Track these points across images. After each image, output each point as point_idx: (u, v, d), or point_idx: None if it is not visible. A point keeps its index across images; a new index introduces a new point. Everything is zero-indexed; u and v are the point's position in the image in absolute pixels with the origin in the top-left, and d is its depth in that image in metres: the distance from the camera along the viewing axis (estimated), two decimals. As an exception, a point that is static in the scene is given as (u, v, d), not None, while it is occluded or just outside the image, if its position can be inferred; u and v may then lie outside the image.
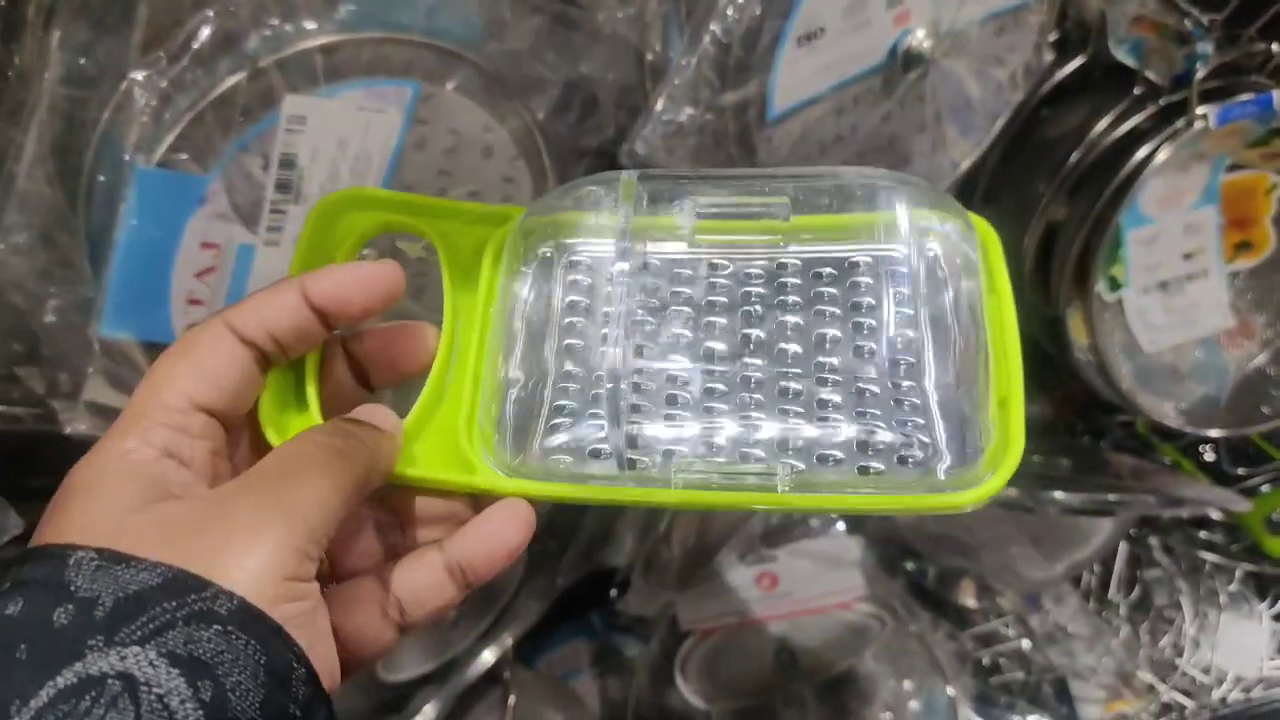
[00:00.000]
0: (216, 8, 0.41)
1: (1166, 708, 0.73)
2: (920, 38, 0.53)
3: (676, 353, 0.34)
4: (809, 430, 0.32)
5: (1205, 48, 0.58)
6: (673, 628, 0.72)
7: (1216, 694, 0.73)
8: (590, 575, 0.73)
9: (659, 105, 0.49)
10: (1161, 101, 0.59)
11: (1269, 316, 0.69)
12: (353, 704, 0.66)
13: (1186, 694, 0.74)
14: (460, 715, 0.67)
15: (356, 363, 0.35)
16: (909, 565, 0.77)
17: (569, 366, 0.34)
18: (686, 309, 0.34)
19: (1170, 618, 0.77)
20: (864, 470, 0.31)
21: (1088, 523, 0.75)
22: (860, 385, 0.32)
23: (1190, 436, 0.74)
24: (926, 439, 0.31)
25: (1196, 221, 0.64)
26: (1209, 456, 0.79)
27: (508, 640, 0.68)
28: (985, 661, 0.74)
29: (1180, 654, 0.75)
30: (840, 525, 0.73)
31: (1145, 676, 0.74)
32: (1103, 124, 0.60)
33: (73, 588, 0.24)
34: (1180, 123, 0.58)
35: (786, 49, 0.50)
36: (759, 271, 0.35)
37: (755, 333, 0.34)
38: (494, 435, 0.33)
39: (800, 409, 0.32)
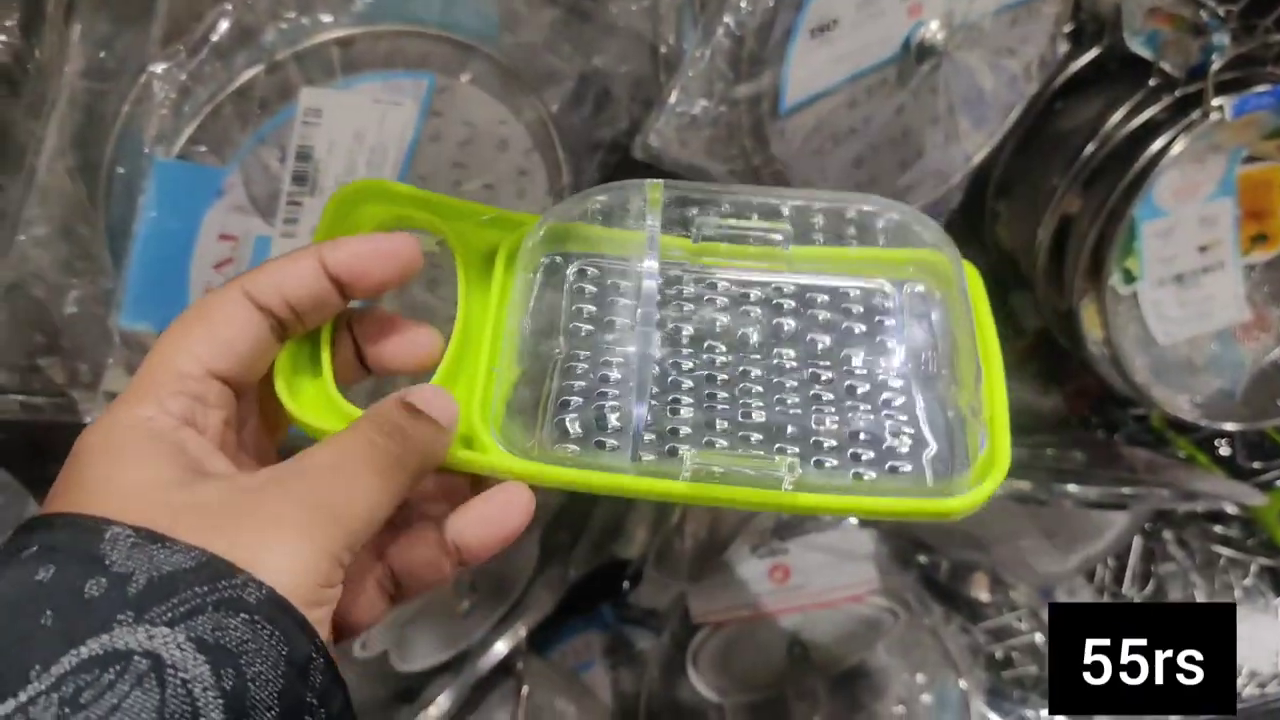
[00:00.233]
0: (234, 1, 0.42)
1: (1180, 702, 0.73)
2: (934, 29, 0.53)
3: (688, 348, 0.35)
4: (808, 433, 0.33)
5: (1221, 39, 0.57)
6: (685, 620, 0.73)
7: (1231, 688, 0.73)
8: (602, 567, 0.74)
9: (672, 98, 0.49)
10: (1177, 93, 0.59)
11: (1285, 309, 0.68)
12: (367, 695, 0.67)
13: (1200, 688, 0.73)
14: (474, 706, 0.68)
15: (357, 345, 0.35)
16: (921, 559, 0.77)
17: (578, 363, 0.35)
18: (692, 314, 0.36)
19: (1184, 612, 0.77)
20: (858, 477, 0.32)
21: (1101, 516, 0.75)
22: (853, 402, 0.34)
23: (1205, 430, 0.74)
24: (916, 451, 0.33)
25: (1212, 214, 0.63)
26: (1224, 450, 0.78)
27: (521, 631, 0.69)
28: (998, 655, 0.74)
29: (1194, 648, 0.75)
30: (852, 519, 0.73)
31: (1159, 671, 0.74)
32: (1118, 116, 0.60)
33: (107, 562, 0.24)
34: (1196, 114, 0.58)
35: (799, 41, 0.50)
36: (758, 291, 0.37)
37: (754, 339, 0.35)
38: (505, 419, 0.33)
39: (798, 413, 0.34)
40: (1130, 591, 0.78)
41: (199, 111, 0.42)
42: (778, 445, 0.33)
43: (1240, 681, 0.73)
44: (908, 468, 0.33)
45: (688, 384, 0.34)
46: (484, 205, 0.37)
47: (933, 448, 0.33)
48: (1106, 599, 0.78)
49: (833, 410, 0.34)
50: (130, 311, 0.43)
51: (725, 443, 0.33)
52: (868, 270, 0.37)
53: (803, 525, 0.72)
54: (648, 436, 0.33)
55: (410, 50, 0.45)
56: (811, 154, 0.55)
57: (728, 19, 0.48)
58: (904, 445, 0.33)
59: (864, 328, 0.36)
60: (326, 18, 0.43)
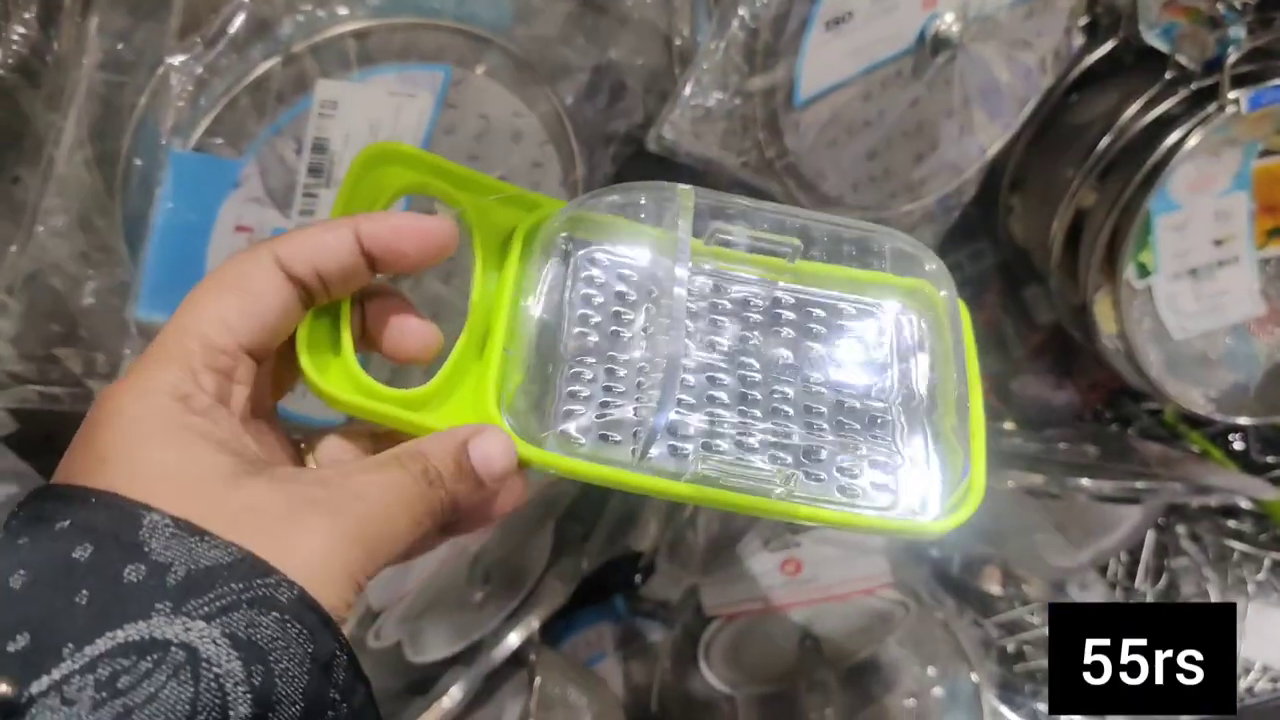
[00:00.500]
0: (251, -7, 0.42)
1: (1192, 697, 0.73)
2: (949, 21, 0.53)
3: (699, 351, 0.36)
4: (802, 446, 0.35)
5: (1237, 32, 0.57)
6: (697, 612, 0.73)
7: (1244, 683, 0.73)
8: (615, 559, 0.74)
9: (687, 90, 0.49)
10: (1193, 86, 0.59)
11: (1301, 304, 0.68)
12: (380, 685, 0.67)
13: (1213, 683, 0.73)
14: (486, 696, 0.68)
15: (364, 321, 0.34)
16: (933, 552, 0.77)
17: (590, 354, 0.35)
18: (702, 317, 0.37)
19: (1197, 607, 0.77)
20: (844, 491, 0.34)
21: (1114, 510, 0.75)
22: (844, 419, 0.36)
23: (1219, 424, 0.73)
24: (901, 472, 0.35)
25: (1227, 207, 0.63)
26: (1238, 444, 0.78)
27: (534, 623, 0.69)
28: (1010, 649, 0.74)
29: (1207, 643, 0.75)
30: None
31: (1171, 665, 0.74)
32: (1133, 109, 0.60)
33: (146, 549, 0.24)
34: (1211, 108, 0.58)
35: (814, 33, 0.50)
36: (758, 300, 0.37)
37: (755, 348, 0.36)
38: (516, 402, 0.34)
39: (795, 426, 0.35)
40: (1143, 586, 0.78)
41: (216, 103, 0.42)
42: (774, 456, 0.34)
43: (1254, 676, 0.73)
44: (893, 486, 0.34)
45: (693, 383, 0.35)
46: (505, 182, 0.37)
47: (917, 469, 0.35)
48: (1119, 593, 0.78)
49: (824, 425, 0.35)
50: (147, 303, 0.44)
51: (726, 448, 0.34)
52: (868, 291, 0.38)
53: (814, 519, 0.72)
54: (666, 433, 0.33)
55: (425, 43, 0.45)
56: (826, 146, 0.55)
57: (742, 11, 0.48)
58: (891, 465, 0.35)
59: (861, 347, 0.37)
60: (342, 10, 0.43)
